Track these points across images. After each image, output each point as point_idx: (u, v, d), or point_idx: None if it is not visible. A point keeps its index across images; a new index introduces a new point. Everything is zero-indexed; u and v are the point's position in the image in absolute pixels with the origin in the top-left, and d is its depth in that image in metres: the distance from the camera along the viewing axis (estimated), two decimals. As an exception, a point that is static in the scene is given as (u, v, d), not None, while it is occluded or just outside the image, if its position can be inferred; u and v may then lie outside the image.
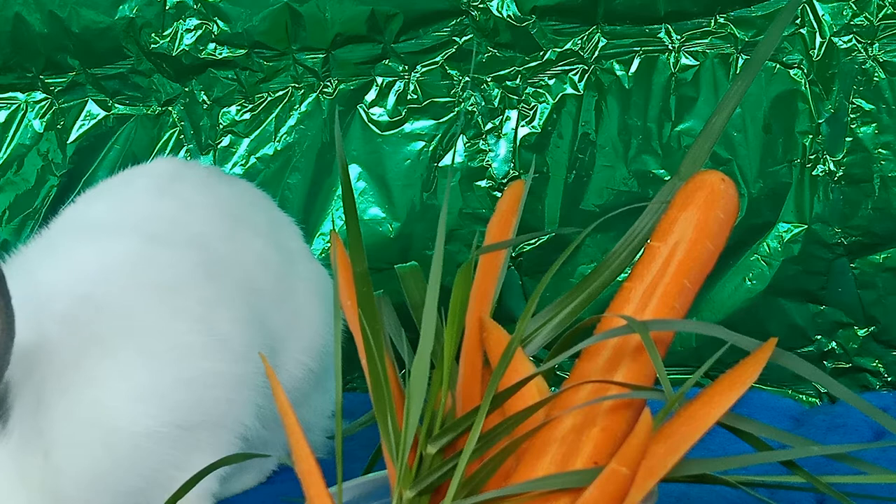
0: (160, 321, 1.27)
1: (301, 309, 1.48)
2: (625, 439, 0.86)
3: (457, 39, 1.81)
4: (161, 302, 1.29)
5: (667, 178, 1.69)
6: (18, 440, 1.11)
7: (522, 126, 1.80)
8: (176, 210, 1.41)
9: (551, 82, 1.79)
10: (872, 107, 1.69)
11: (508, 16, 1.77)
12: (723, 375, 0.87)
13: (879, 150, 1.69)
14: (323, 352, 1.50)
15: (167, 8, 1.86)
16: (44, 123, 1.95)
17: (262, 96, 1.89)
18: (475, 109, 1.82)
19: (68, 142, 1.94)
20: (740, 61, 1.73)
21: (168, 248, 1.35)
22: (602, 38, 1.77)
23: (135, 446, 1.20)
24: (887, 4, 1.67)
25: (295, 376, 1.45)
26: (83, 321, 1.21)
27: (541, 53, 1.79)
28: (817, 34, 1.70)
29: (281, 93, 1.88)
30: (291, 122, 1.88)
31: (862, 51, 1.68)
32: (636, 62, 1.76)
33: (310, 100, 1.87)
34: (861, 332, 1.75)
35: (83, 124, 1.94)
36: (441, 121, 1.83)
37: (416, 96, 1.84)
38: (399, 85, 1.85)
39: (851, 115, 1.69)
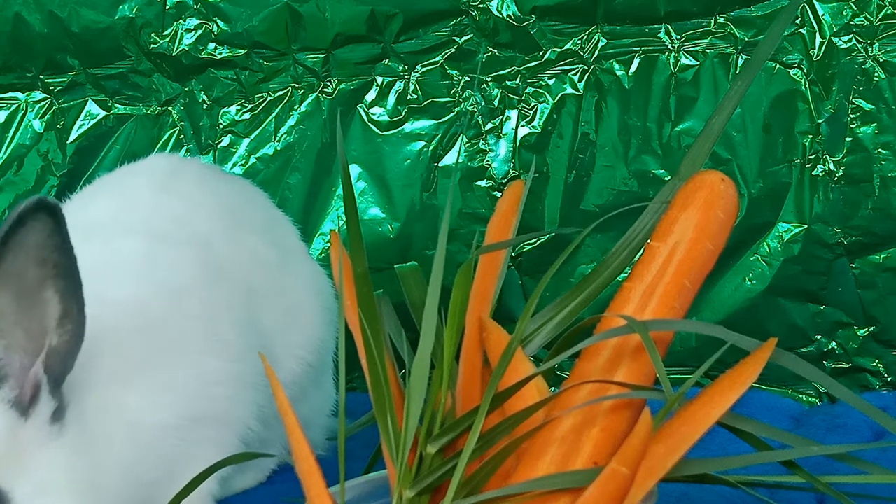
0: (168, 321, 1.28)
1: (298, 305, 1.48)
2: (625, 439, 0.86)
3: (457, 39, 1.81)
4: (167, 300, 1.30)
5: (667, 178, 1.69)
6: (71, 439, 1.12)
7: (522, 126, 1.80)
8: (178, 208, 1.42)
9: (551, 82, 1.79)
10: (872, 107, 1.69)
11: (508, 16, 1.77)
12: (723, 375, 0.87)
13: (879, 150, 1.69)
14: (321, 347, 1.50)
15: (167, 8, 1.86)
16: (44, 123, 1.95)
17: (262, 96, 1.89)
18: (475, 109, 1.82)
19: (68, 142, 1.94)
20: (740, 61, 1.73)
21: (173, 246, 1.36)
22: (602, 38, 1.77)
23: (153, 438, 1.22)
24: (887, 4, 1.67)
25: (293, 371, 1.46)
26: (95, 317, 1.21)
27: (541, 53, 1.79)
28: (817, 34, 1.70)
29: (281, 93, 1.88)
30: (291, 122, 1.88)
31: (862, 51, 1.68)
32: (636, 62, 1.76)
33: (310, 100, 1.87)
34: (861, 332, 1.75)
35: (83, 124, 1.95)
36: (441, 121, 1.83)
37: (416, 96, 1.84)
38: (399, 85, 1.85)
39: (851, 115, 1.69)
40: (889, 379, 1.76)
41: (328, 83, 1.87)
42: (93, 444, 1.15)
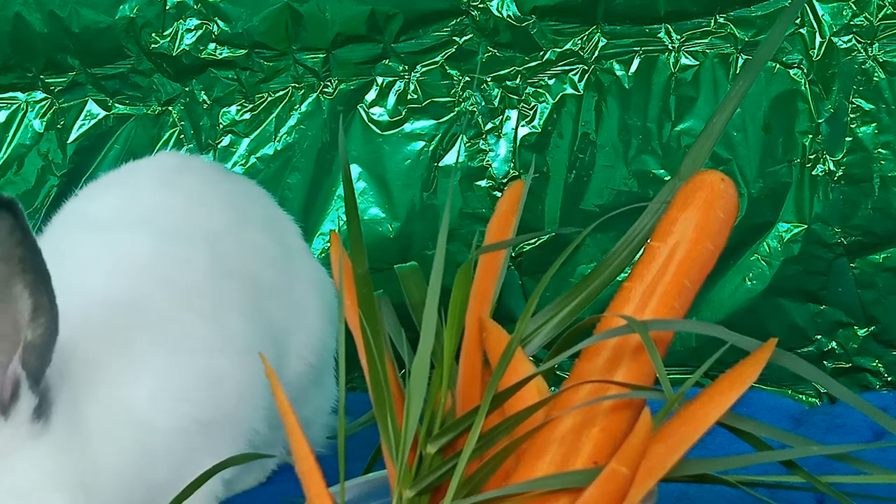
0: (175, 317, 1.27)
1: (301, 304, 1.48)
2: (625, 439, 0.86)
3: (457, 39, 1.81)
4: (175, 298, 1.29)
5: (667, 178, 1.69)
6: (59, 437, 1.11)
7: (522, 126, 1.80)
8: (184, 204, 1.41)
9: (551, 82, 1.79)
10: (872, 107, 1.69)
11: (508, 16, 1.77)
12: (723, 375, 0.87)
13: (879, 149, 1.69)
14: (321, 347, 1.50)
15: (167, 8, 1.86)
16: (44, 123, 1.95)
17: (263, 96, 1.89)
18: (475, 109, 1.82)
19: (68, 142, 1.94)
20: (740, 61, 1.73)
21: (179, 243, 1.35)
22: (602, 38, 1.77)
23: (162, 441, 1.21)
24: (887, 4, 1.67)
25: (297, 372, 1.46)
26: (99, 319, 1.21)
27: (541, 53, 1.79)
28: (817, 34, 1.70)
29: (281, 93, 1.88)
30: (291, 122, 1.88)
31: (862, 51, 1.68)
32: (636, 62, 1.76)
33: (310, 100, 1.87)
34: (861, 332, 1.75)
35: (83, 124, 1.95)
36: (441, 121, 1.83)
37: (416, 96, 1.84)
38: (399, 85, 1.85)
39: (851, 115, 1.69)
40: (889, 379, 1.76)
41: (328, 83, 1.87)
42: (90, 443, 1.14)
